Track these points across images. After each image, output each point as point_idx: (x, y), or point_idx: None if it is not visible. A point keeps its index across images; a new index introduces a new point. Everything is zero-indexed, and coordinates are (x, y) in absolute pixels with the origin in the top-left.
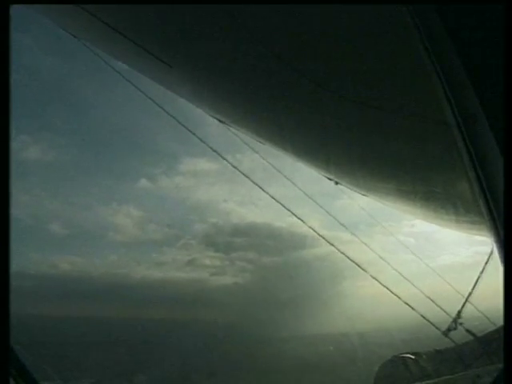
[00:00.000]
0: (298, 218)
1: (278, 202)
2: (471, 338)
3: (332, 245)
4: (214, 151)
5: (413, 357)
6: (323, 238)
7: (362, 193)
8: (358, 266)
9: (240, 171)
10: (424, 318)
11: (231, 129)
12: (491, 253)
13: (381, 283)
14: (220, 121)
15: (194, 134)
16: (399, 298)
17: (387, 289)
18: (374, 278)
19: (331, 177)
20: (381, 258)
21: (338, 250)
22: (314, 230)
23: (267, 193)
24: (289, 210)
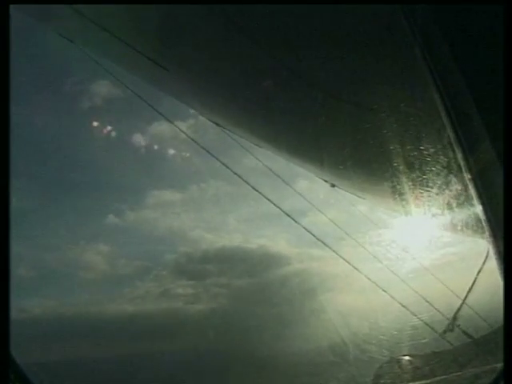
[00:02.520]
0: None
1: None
2: (466, 338)
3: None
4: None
5: (408, 358)
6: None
7: (358, 195)
8: (355, 268)
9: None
10: (421, 320)
11: (227, 132)
12: (487, 254)
13: (377, 284)
14: (216, 124)
15: (190, 137)
16: (394, 298)
17: (384, 291)
18: (368, 279)
19: (327, 179)
20: (379, 261)
21: (341, 257)
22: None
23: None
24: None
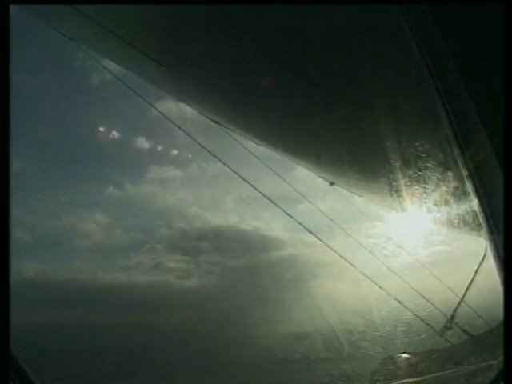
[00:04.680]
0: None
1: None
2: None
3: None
4: (220, 157)
5: (404, 355)
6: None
7: (356, 192)
8: (348, 262)
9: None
10: (418, 317)
11: (225, 129)
12: (485, 253)
13: (372, 281)
14: (214, 121)
15: (188, 134)
16: (389, 293)
17: (378, 286)
18: (364, 274)
19: (325, 177)
20: (376, 256)
21: (329, 245)
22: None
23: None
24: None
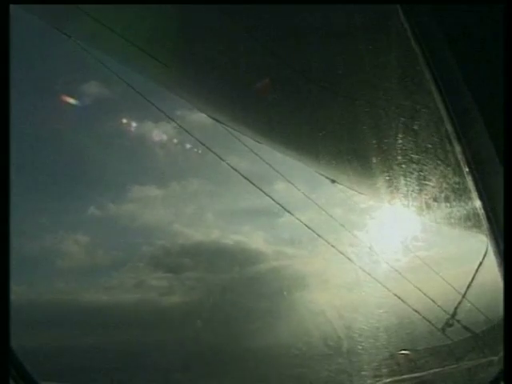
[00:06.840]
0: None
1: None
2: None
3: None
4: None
5: (404, 352)
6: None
7: (356, 189)
8: (349, 259)
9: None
10: (420, 314)
11: (227, 128)
12: (486, 250)
13: (375, 278)
14: (216, 120)
15: (185, 129)
16: (390, 290)
17: (382, 284)
18: (368, 274)
19: (325, 174)
20: (378, 255)
21: (332, 244)
22: None
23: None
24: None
